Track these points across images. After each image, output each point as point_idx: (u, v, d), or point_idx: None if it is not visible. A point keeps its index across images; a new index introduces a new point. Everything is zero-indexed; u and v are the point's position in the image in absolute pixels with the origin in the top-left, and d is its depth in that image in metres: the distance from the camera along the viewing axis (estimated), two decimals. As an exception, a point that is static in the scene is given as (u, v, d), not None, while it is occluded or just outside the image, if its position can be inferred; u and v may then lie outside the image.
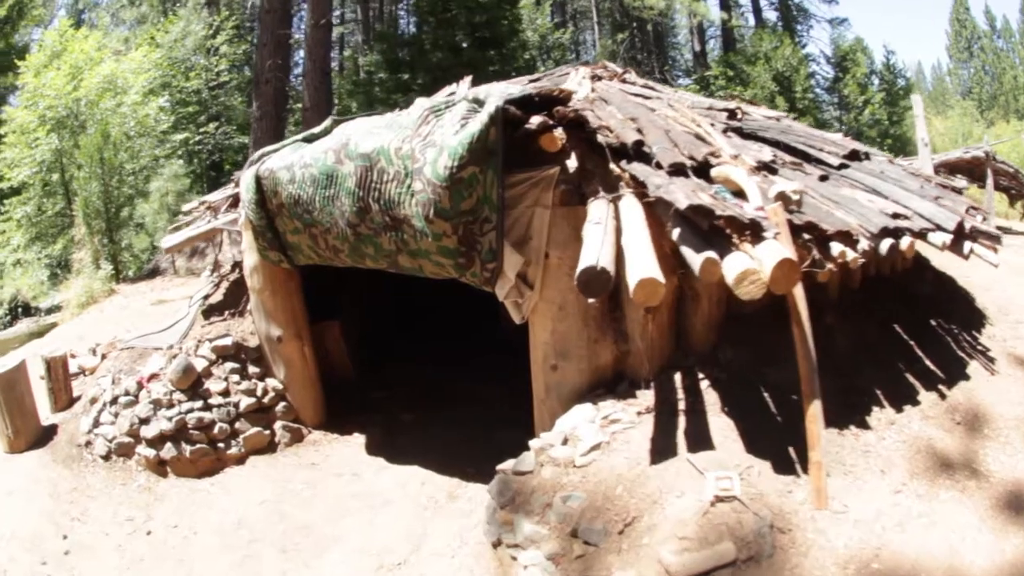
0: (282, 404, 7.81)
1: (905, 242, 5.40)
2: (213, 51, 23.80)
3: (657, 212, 4.95)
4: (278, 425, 7.73)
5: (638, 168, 5.28)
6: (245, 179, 7.07)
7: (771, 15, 35.64)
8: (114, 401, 7.48)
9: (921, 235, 5.65)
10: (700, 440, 5.04)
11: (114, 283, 14.41)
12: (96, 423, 7.46)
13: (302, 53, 23.73)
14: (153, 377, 7.56)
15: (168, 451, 7.12)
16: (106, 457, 7.23)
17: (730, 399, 5.43)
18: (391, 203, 5.85)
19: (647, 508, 4.56)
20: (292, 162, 6.57)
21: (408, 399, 8.72)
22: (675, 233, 4.56)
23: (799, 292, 4.72)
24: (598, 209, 5.26)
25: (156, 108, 18.69)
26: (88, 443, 7.37)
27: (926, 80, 55.18)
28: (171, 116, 20.45)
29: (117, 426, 7.31)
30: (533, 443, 5.46)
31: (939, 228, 5.80)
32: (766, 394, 5.54)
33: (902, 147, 28.48)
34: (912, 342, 6.46)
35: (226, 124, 23.22)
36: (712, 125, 6.64)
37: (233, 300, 8.49)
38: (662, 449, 4.99)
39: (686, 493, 4.54)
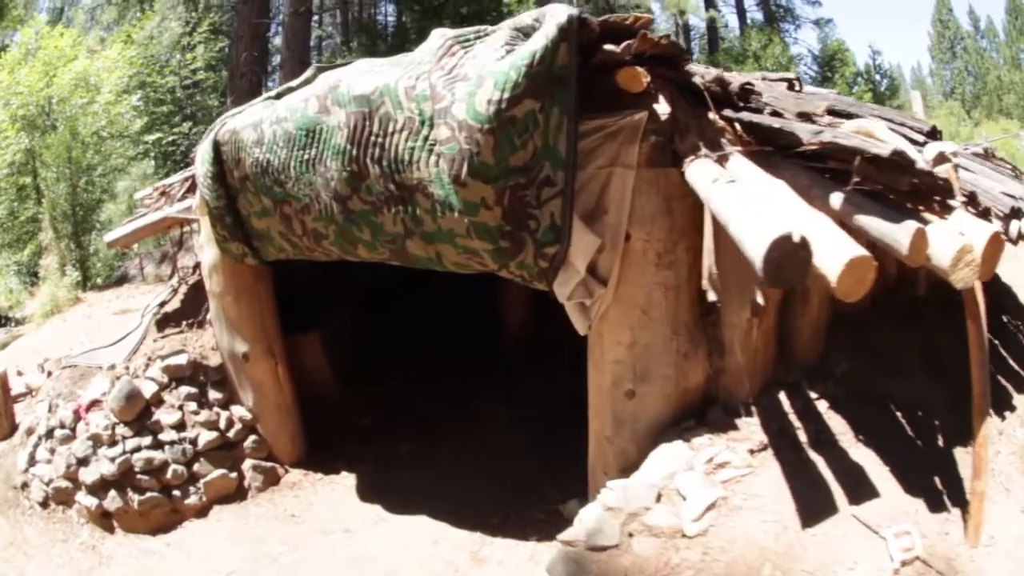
0: (252, 438, 6.43)
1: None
2: (189, 48, 22.54)
3: (782, 175, 3.76)
4: (247, 465, 6.33)
5: (757, 117, 4.04)
6: (201, 149, 5.59)
7: (756, 16, 34.88)
8: (49, 434, 6.23)
9: (1027, 219, 5.01)
10: (857, 485, 3.99)
11: (80, 291, 13.31)
12: (32, 460, 6.28)
13: (279, 44, 22.49)
14: (93, 405, 6.18)
15: (112, 500, 5.83)
16: (44, 504, 6.09)
17: (859, 423, 4.41)
18: (398, 163, 4.26)
19: (813, 592, 3.53)
20: (260, 119, 5.01)
21: (403, 425, 7.39)
22: (835, 199, 3.40)
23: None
24: (706, 170, 3.76)
25: (129, 107, 17.76)
26: (24, 484, 6.25)
27: (906, 82, 55.49)
28: (145, 116, 19.40)
29: (53, 466, 6.09)
30: (606, 500, 3.96)
31: (1037, 214, 5.17)
32: (898, 414, 4.61)
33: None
34: (996, 340, 5.65)
35: (201, 124, 21.79)
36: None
37: (192, 307, 7.08)
38: (813, 504, 3.87)
39: (860, 562, 3.59)
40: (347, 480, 6.47)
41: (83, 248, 14.80)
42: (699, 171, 3.77)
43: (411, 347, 9.06)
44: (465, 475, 6.35)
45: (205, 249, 6.29)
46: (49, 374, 7.32)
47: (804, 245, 2.92)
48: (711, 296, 3.81)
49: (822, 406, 4.55)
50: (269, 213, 5.31)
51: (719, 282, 3.79)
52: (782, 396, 4.61)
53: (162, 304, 7.37)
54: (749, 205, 3.19)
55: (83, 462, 5.92)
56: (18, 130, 15.25)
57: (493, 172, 3.85)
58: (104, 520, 5.89)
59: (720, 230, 3.64)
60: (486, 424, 7.22)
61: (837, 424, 4.43)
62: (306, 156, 4.71)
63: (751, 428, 4.37)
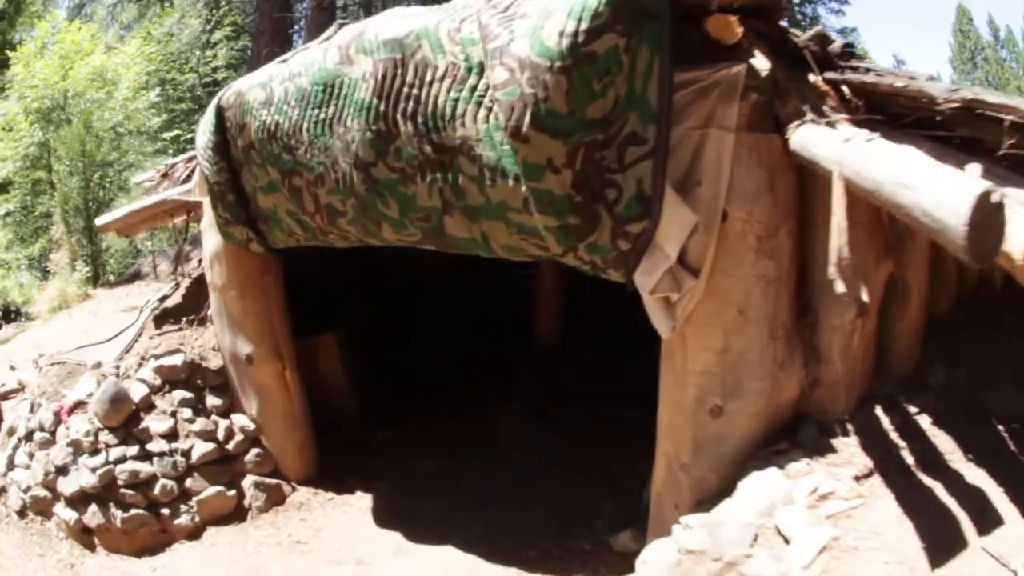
0: (254, 451, 5.90)
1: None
2: (209, 45, 22.58)
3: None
4: (248, 482, 5.81)
5: (872, 78, 3.57)
6: (203, 119, 5.05)
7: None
8: (28, 437, 5.83)
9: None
10: (982, 513, 3.50)
11: (90, 287, 13.12)
12: (11, 464, 5.94)
13: (301, 43, 22.39)
14: (77, 407, 5.68)
15: (93, 516, 5.35)
16: (21, 513, 5.72)
17: (966, 440, 3.94)
18: (437, 119, 3.57)
19: (950, 647, 3.03)
20: (270, 76, 4.35)
21: (427, 439, 6.83)
22: (973, 171, 2.92)
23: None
24: (826, 132, 3.21)
25: (147, 103, 17.51)
26: (3, 490, 5.95)
27: (925, 94, 56.13)
28: (164, 113, 19.29)
29: (32, 473, 5.69)
30: (685, 542, 3.29)
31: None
32: (1001, 428, 4.16)
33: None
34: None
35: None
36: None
37: (194, 303, 6.53)
38: (940, 538, 3.33)
39: (993, 604, 3.12)
40: (362, 501, 5.96)
41: (95, 244, 14.63)
42: (816, 134, 3.11)
43: (439, 349, 8.54)
44: (498, 499, 5.82)
45: (206, 236, 5.79)
46: (41, 370, 6.82)
47: (1000, 208, 2.33)
48: (839, 287, 3.02)
49: (924, 422, 4.03)
50: (276, 187, 4.67)
51: (848, 269, 3.01)
52: (878, 411, 4.08)
53: (163, 299, 6.87)
54: (907, 167, 2.47)
55: (62, 471, 5.49)
56: (31, 123, 15.14)
57: (565, 124, 3.11)
58: (84, 536, 5.47)
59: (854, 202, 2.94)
60: (520, 441, 6.70)
61: (943, 442, 3.92)
62: (322, 115, 4.05)
63: (851, 450, 3.81)
